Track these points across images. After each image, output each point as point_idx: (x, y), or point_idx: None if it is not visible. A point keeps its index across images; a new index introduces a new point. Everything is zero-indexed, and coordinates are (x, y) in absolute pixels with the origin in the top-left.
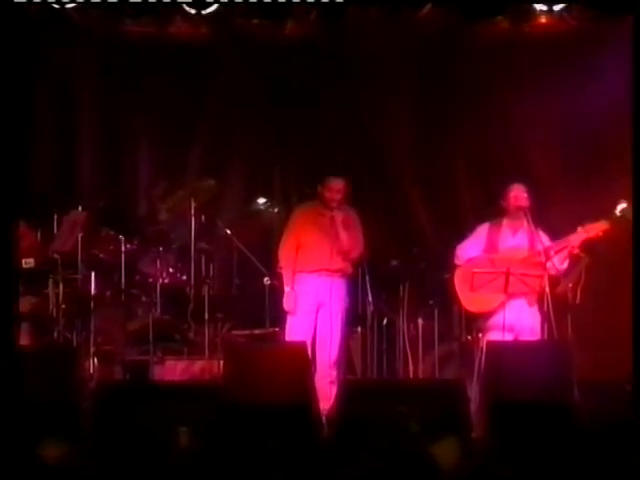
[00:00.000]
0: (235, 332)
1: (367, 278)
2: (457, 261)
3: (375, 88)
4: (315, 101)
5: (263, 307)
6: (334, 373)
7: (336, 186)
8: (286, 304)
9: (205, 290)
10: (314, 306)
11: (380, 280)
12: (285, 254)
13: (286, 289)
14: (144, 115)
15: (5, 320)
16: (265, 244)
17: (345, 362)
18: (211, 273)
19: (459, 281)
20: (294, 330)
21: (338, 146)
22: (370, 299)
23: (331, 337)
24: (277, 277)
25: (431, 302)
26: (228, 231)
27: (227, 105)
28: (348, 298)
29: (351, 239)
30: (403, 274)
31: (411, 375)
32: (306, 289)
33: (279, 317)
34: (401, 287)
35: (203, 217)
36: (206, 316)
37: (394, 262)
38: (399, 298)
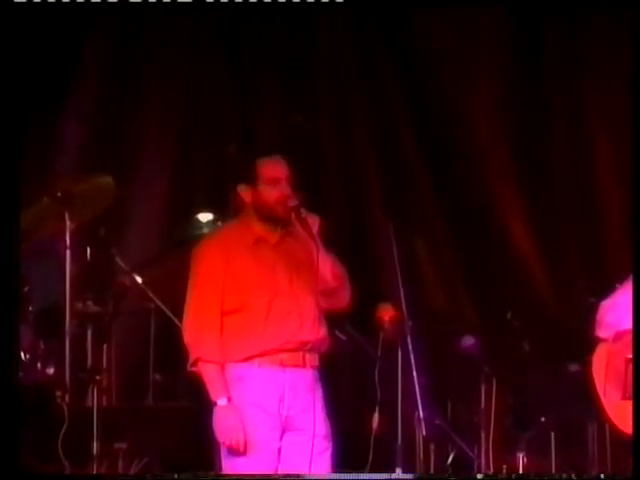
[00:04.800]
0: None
1: (414, 372)
2: (600, 332)
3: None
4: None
5: (204, 426)
6: None
7: (281, 171)
8: (224, 433)
9: (92, 396)
10: (276, 430)
11: (443, 374)
12: (200, 333)
13: (220, 402)
14: None
15: None
16: None
17: None
18: (104, 362)
19: (603, 374)
20: None
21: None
22: (421, 412)
23: None
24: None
25: (543, 419)
26: (139, 279)
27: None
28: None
29: (336, 262)
30: (488, 362)
31: None
32: (252, 395)
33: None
34: (483, 387)
35: (89, 250)
36: (94, 447)
37: (469, 339)
38: (479, 408)
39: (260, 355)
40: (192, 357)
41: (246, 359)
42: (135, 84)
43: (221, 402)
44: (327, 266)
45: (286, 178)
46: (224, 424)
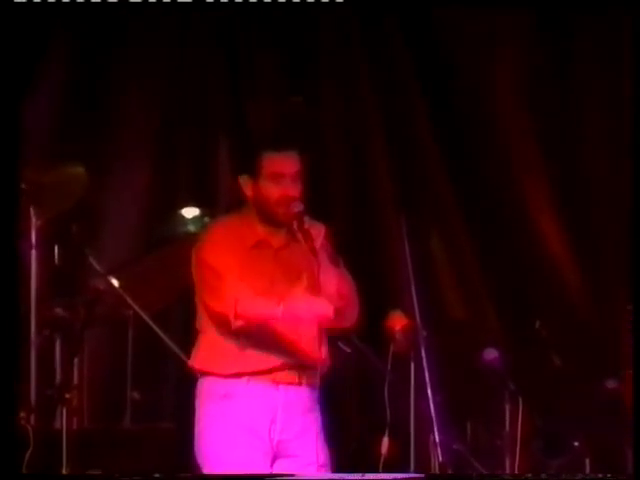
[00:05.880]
0: None
1: (429, 390)
2: None
3: None
4: None
5: (188, 450)
6: None
7: (288, 166)
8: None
9: (61, 416)
10: (267, 456)
11: (462, 391)
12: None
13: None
14: None
15: None
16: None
17: None
18: (75, 378)
19: None
20: None
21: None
22: (436, 435)
23: None
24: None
25: (576, 444)
26: (115, 282)
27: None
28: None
29: (343, 279)
30: (513, 378)
31: None
32: (240, 415)
33: None
34: (507, 406)
35: (58, 250)
36: (64, 472)
37: (492, 352)
38: (504, 431)
39: (251, 374)
40: (234, 312)
41: (235, 375)
42: (113, 63)
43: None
44: (332, 283)
45: (292, 175)
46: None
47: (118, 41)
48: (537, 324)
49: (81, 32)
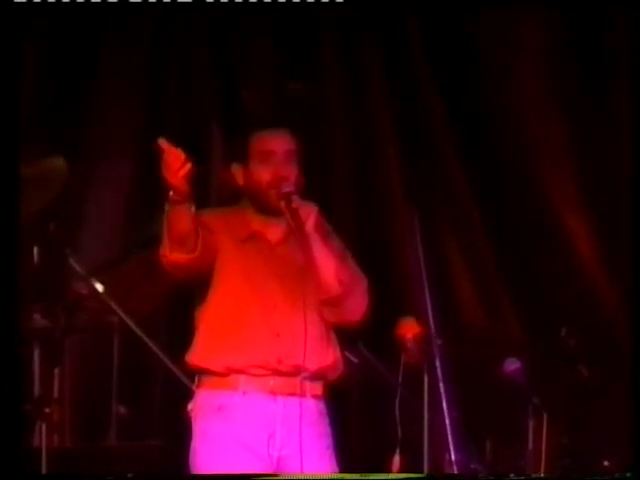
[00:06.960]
0: None
1: (444, 404)
2: None
3: None
4: None
5: (180, 469)
6: None
7: (278, 143)
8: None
9: (40, 433)
10: (268, 466)
11: (480, 406)
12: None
13: None
14: None
15: None
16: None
17: None
18: (56, 391)
19: None
20: None
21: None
22: (452, 453)
23: None
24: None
25: (606, 463)
26: (98, 286)
27: None
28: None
29: (343, 264)
30: (537, 391)
31: None
32: (236, 430)
33: None
34: (531, 422)
35: (36, 250)
36: None
37: (514, 362)
38: (526, 449)
39: (241, 371)
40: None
41: (227, 371)
42: (95, 52)
43: None
44: (329, 268)
45: (284, 153)
46: None
47: (100, 28)
48: (563, 332)
49: (61, 20)
